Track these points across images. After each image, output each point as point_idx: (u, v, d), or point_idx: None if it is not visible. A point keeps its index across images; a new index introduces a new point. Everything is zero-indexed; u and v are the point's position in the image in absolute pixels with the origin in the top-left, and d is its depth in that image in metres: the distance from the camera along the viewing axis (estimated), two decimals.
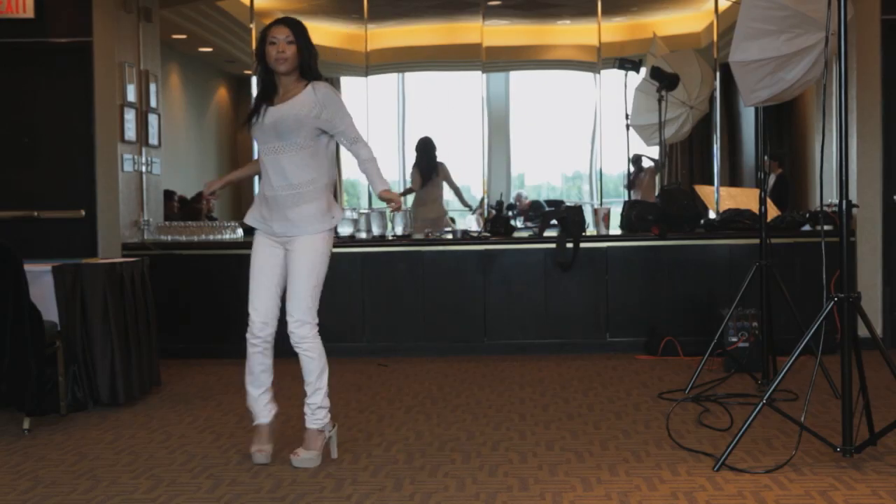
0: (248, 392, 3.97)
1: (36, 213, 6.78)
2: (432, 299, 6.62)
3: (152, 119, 7.20)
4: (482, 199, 8.78)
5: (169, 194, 8.41)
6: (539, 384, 5.54)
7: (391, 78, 9.54)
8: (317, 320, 3.87)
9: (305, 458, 3.80)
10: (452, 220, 8.72)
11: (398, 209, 3.99)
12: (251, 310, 3.92)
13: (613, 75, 8.65)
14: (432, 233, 7.17)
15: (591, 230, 7.10)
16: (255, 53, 3.90)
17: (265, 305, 3.91)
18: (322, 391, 3.88)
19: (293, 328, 3.85)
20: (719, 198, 7.60)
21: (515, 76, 10.09)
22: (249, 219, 3.98)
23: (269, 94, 3.84)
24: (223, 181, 4.19)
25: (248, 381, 3.96)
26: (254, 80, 8.45)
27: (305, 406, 3.91)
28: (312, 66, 3.81)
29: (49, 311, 4.78)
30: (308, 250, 3.84)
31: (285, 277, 3.89)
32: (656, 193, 7.99)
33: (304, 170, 3.80)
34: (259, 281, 3.92)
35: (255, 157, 4.06)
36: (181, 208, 8.87)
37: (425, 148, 8.40)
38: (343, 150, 3.97)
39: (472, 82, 8.85)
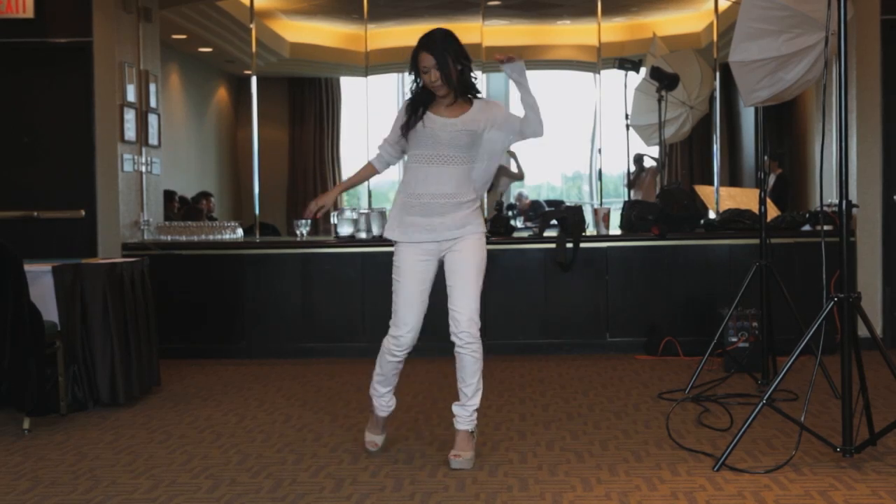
0: (374, 388, 3.96)
1: (36, 213, 6.78)
2: (432, 299, 6.59)
3: (152, 119, 7.20)
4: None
5: (169, 194, 8.42)
6: (539, 384, 5.54)
7: (391, 78, 9.53)
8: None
9: (466, 458, 3.75)
10: None
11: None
12: (401, 324, 3.80)
13: (613, 75, 8.64)
14: None
15: (591, 230, 7.10)
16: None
17: (416, 319, 3.81)
18: (481, 392, 3.84)
19: (464, 327, 3.75)
20: (719, 198, 7.60)
21: None
22: (399, 234, 3.83)
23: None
24: (335, 192, 4.07)
25: (379, 380, 3.94)
26: (254, 80, 8.50)
27: (460, 408, 3.82)
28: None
29: (49, 311, 4.78)
30: (472, 249, 3.81)
31: (432, 287, 3.85)
32: (657, 193, 7.99)
33: (459, 183, 3.81)
34: (410, 296, 3.80)
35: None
36: (181, 208, 8.87)
37: None
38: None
39: None
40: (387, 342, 3.85)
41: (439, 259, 3.84)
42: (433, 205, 3.77)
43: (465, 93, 3.81)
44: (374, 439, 4.02)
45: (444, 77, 3.70)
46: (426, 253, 3.81)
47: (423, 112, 3.77)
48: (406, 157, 3.91)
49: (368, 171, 4.03)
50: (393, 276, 3.85)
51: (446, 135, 3.75)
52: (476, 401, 3.82)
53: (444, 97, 3.78)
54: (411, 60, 3.79)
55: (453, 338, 3.78)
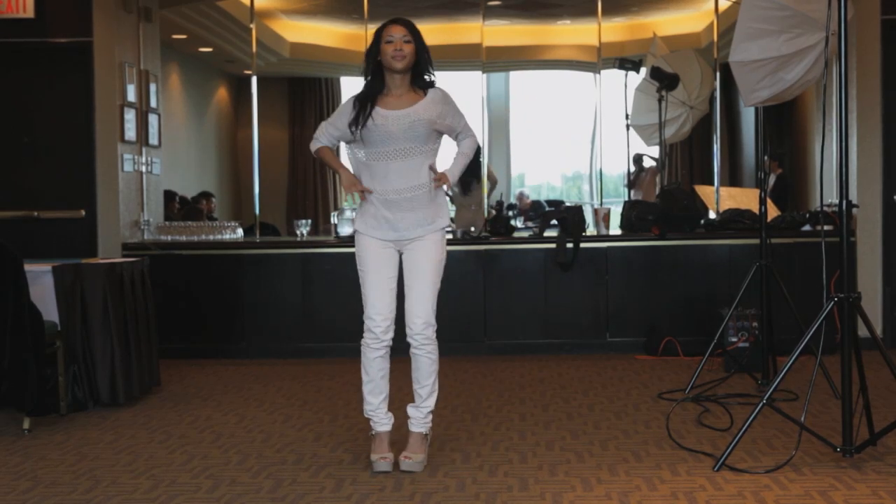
0: (367, 401, 3.79)
1: (36, 213, 6.78)
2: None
3: (152, 119, 7.20)
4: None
5: (170, 195, 8.42)
6: (539, 384, 5.54)
7: None
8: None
9: (417, 461, 3.71)
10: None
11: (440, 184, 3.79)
12: (373, 313, 3.71)
13: (613, 75, 8.64)
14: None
15: (591, 230, 7.10)
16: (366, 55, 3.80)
17: (388, 307, 3.73)
18: (436, 394, 3.81)
19: (419, 330, 3.70)
20: (719, 198, 7.60)
21: (515, 76, 10.08)
22: (361, 225, 3.78)
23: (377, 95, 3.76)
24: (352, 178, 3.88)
25: (368, 389, 3.77)
26: (254, 80, 8.50)
27: (415, 409, 3.79)
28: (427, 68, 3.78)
29: (49, 311, 4.78)
30: (431, 250, 3.75)
31: (398, 280, 3.79)
32: (657, 193, 7.99)
33: (424, 172, 3.75)
34: (377, 283, 3.73)
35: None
36: (181, 208, 8.87)
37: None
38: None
39: (472, 82, 8.83)
40: (364, 338, 3.75)
41: (399, 252, 3.80)
42: (400, 200, 3.71)
43: (418, 79, 3.76)
44: (383, 454, 3.73)
45: (412, 46, 3.68)
46: (387, 244, 3.77)
47: (371, 108, 3.70)
48: (362, 155, 3.77)
49: (331, 153, 3.91)
50: (357, 267, 3.78)
51: (400, 128, 3.68)
52: (431, 402, 3.80)
53: (397, 81, 3.72)
54: (374, 39, 3.75)
55: (409, 339, 3.74)
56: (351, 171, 3.84)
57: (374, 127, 3.70)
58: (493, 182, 8.41)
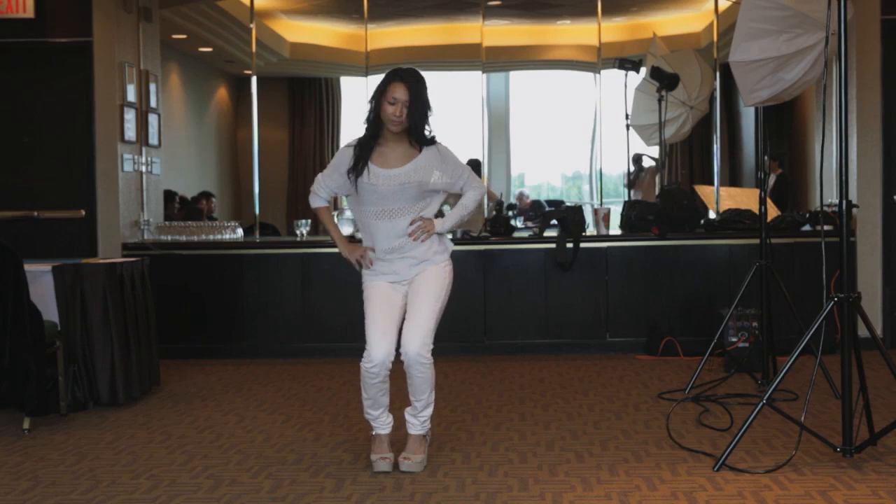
0: (367, 412, 3.83)
1: (36, 213, 6.78)
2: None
3: (152, 119, 7.20)
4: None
5: (170, 195, 8.41)
6: (539, 384, 5.54)
7: None
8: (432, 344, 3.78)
9: (416, 461, 3.74)
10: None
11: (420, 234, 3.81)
12: (374, 343, 3.69)
13: (613, 75, 8.64)
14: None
15: (591, 230, 7.10)
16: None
17: (389, 342, 3.72)
18: (432, 406, 3.84)
19: (415, 352, 3.68)
20: (719, 198, 7.60)
21: (515, 76, 10.09)
22: (371, 275, 3.86)
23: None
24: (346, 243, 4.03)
25: (368, 404, 3.80)
26: (254, 80, 8.50)
27: (413, 417, 3.82)
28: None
29: (49, 311, 4.78)
30: (433, 280, 3.79)
31: (403, 314, 3.81)
32: (657, 193, 7.99)
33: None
34: (381, 318, 3.75)
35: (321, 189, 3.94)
36: (181, 208, 8.87)
37: None
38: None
39: (472, 82, 8.84)
40: (363, 363, 3.72)
41: (405, 289, 3.83)
42: (391, 256, 3.78)
43: (416, 139, 3.74)
44: (383, 455, 3.78)
45: (409, 115, 3.66)
46: (393, 283, 3.82)
47: (363, 164, 3.71)
48: (357, 212, 3.84)
49: (330, 216, 4.02)
50: (364, 298, 3.83)
51: (389, 188, 3.70)
52: (427, 413, 3.83)
53: (394, 135, 3.71)
54: (378, 89, 3.71)
55: (403, 358, 3.74)
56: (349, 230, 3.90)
57: (366, 184, 3.73)
58: (495, 203, 8.40)
